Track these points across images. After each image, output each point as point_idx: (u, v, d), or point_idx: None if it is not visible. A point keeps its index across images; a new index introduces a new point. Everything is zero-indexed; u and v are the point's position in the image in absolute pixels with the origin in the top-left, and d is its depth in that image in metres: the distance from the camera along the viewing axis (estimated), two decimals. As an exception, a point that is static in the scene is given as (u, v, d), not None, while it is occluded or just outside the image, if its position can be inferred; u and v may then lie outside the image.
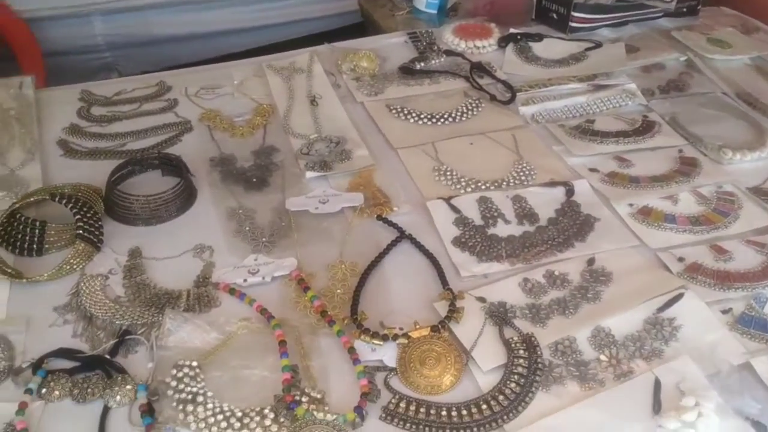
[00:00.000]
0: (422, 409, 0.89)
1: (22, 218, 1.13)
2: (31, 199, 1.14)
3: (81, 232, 1.10)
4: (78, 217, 1.11)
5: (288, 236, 1.17)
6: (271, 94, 1.57)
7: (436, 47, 1.74)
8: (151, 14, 2.24)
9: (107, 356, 0.95)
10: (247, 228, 1.18)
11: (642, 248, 1.15)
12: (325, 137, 1.40)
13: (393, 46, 1.77)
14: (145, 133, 1.45)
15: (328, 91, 1.57)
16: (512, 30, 1.78)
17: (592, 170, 1.32)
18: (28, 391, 0.89)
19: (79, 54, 2.22)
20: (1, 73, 1.70)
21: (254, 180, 1.29)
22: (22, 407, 0.87)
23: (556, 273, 1.09)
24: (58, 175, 1.32)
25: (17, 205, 1.12)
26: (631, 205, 1.23)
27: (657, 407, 0.89)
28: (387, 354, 0.96)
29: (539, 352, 0.96)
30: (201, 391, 0.90)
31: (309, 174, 1.30)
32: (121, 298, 1.05)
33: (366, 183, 1.29)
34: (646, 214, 1.21)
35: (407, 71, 1.63)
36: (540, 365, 0.94)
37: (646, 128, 1.43)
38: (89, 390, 0.90)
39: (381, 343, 0.96)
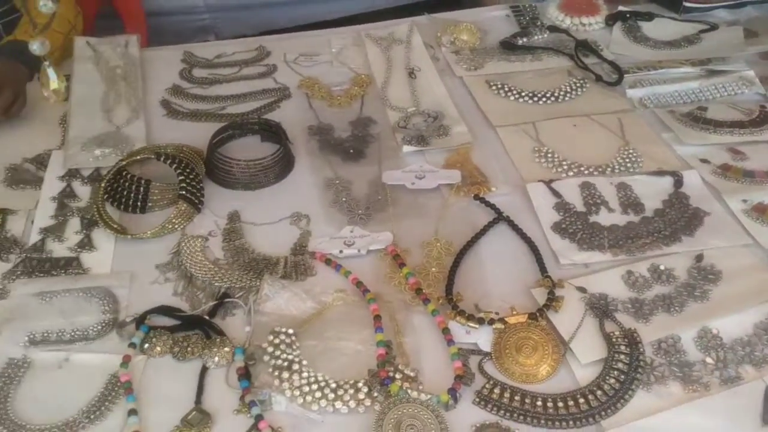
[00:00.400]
0: (517, 397, 0.87)
1: (128, 176, 1.16)
2: (137, 157, 1.17)
3: (184, 192, 1.12)
4: (181, 177, 1.13)
5: (383, 210, 1.16)
6: (369, 63, 1.56)
7: (539, 22, 1.68)
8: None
9: (206, 317, 0.97)
10: (344, 199, 1.17)
11: (755, 248, 1.08)
12: (422, 111, 1.38)
13: (494, 19, 1.72)
14: (245, 97, 1.46)
15: (426, 64, 1.54)
16: (621, 7, 1.69)
17: (703, 161, 1.25)
18: (132, 345, 0.92)
19: (179, 15, 2.24)
20: (104, 31, 1.74)
21: (351, 151, 1.29)
22: (126, 360, 0.90)
23: (662, 267, 1.04)
24: (160, 134, 1.35)
25: (124, 163, 1.15)
26: (744, 200, 1.15)
27: (767, 417, 0.84)
28: (482, 338, 0.94)
29: (641, 349, 0.92)
30: (296, 359, 0.90)
31: (406, 148, 1.28)
32: (220, 261, 1.07)
33: (463, 160, 1.26)
34: (761, 211, 1.13)
35: (508, 46, 1.58)
36: (642, 363, 0.90)
37: (763, 119, 1.34)
38: (189, 349, 0.92)
39: (476, 326, 0.94)
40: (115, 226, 1.10)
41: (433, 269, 1.04)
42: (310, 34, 1.74)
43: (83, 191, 1.20)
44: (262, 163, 1.21)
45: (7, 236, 1.11)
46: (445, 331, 0.94)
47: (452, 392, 0.86)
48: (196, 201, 1.14)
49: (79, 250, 1.09)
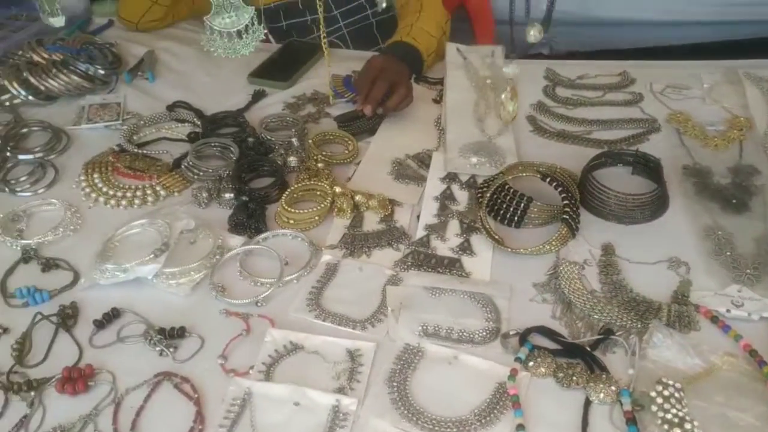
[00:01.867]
0: None
1: (509, 189, 1.21)
2: (523, 174, 1.21)
3: (566, 217, 1.14)
4: (565, 202, 1.15)
5: (774, 274, 1.08)
6: (747, 105, 1.45)
7: None
8: (597, -6, 2.22)
9: (588, 348, 0.98)
10: (728, 253, 1.11)
11: None
12: (817, 169, 1.25)
13: None
14: (611, 124, 1.45)
15: (820, 115, 1.40)
16: None
17: None
18: (518, 359, 0.96)
19: (517, 25, 2.29)
20: (454, 33, 1.83)
21: (733, 201, 1.21)
22: (514, 374, 0.94)
23: None
24: (528, 150, 1.39)
25: (510, 178, 1.20)
26: None
27: None
28: None
29: None
30: (687, 418, 0.87)
31: (800, 209, 1.18)
32: (597, 293, 1.08)
33: None
34: None
35: None
36: None
37: None
38: (573, 378, 0.93)
39: None
40: (496, 236, 1.16)
41: (843, 355, 0.95)
42: (676, 65, 1.67)
43: (461, 195, 1.28)
44: (640, 199, 1.19)
45: (396, 226, 1.22)
46: None
47: None
48: (574, 226, 1.15)
49: (460, 252, 1.16)
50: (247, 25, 0.98)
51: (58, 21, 1.03)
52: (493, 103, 1.52)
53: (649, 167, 1.27)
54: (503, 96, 1.04)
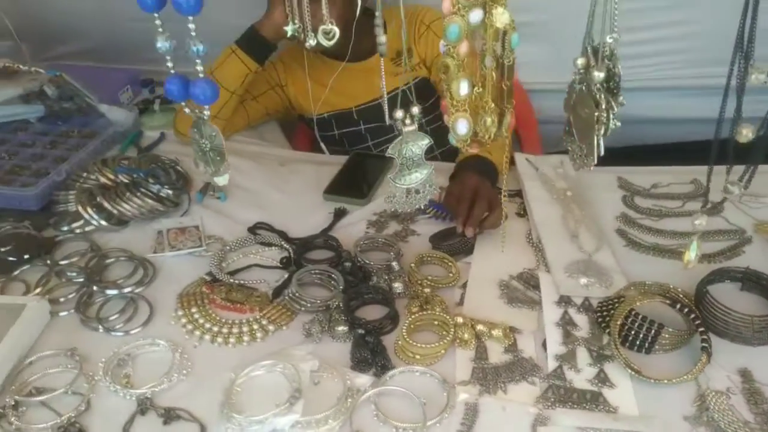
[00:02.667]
0: None
1: (639, 316, 1.19)
2: (647, 301, 1.20)
3: (706, 345, 1.13)
4: (702, 329, 1.15)
5: None
6: (824, 213, 1.50)
7: None
8: (637, 96, 2.29)
9: (765, 491, 0.96)
10: None
11: None
12: None
13: None
14: (702, 236, 1.46)
15: None
16: None
17: None
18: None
19: (547, 124, 2.35)
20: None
21: None
22: None
23: None
24: (627, 267, 1.39)
25: (636, 304, 1.20)
26: None
27: None
28: None
29: None
30: None
31: None
32: (752, 424, 1.06)
33: None
34: None
35: None
36: None
37: None
38: None
39: None
40: (635, 366, 1.14)
41: None
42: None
43: (580, 319, 1.26)
44: (766, 320, 1.19)
45: (525, 357, 1.19)
46: None
47: None
48: (710, 352, 1.15)
49: (599, 384, 1.13)
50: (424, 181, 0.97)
51: (223, 180, 1.00)
52: (579, 216, 1.53)
53: (761, 284, 1.28)
54: (692, 247, 1.04)
